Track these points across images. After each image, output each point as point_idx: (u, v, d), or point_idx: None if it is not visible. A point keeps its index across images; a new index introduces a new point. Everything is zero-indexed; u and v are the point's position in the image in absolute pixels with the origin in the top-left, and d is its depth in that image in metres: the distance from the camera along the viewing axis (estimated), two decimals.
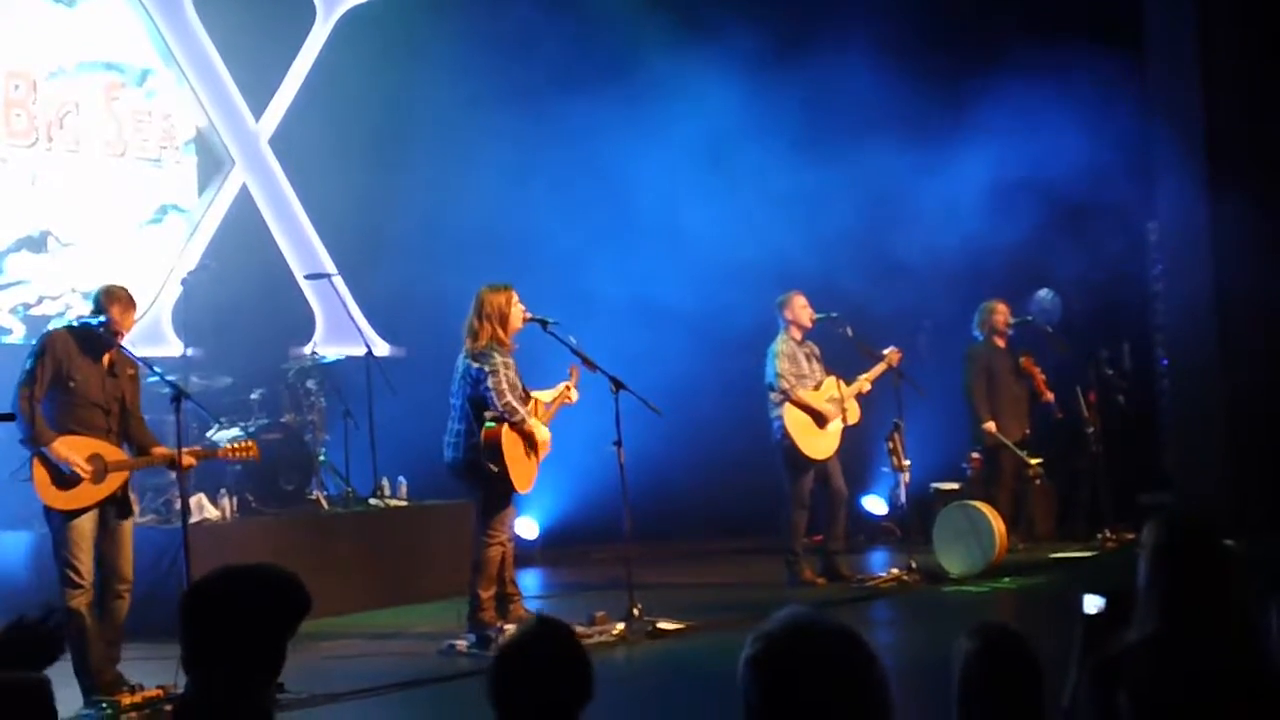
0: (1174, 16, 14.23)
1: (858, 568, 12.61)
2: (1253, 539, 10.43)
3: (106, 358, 8.54)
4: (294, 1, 14.90)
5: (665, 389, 10.82)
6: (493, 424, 9.82)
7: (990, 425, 13.13)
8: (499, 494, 9.94)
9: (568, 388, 10.30)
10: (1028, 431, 13.42)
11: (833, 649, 3.00)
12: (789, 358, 12.05)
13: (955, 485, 13.63)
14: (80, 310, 12.36)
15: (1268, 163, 13.77)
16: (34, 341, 8.93)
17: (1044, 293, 14.33)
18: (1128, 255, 14.97)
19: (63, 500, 8.29)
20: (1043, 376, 13.45)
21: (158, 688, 8.27)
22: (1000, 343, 13.41)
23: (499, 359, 9.89)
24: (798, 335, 12.18)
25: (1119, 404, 14.13)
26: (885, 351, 12.33)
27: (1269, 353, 13.85)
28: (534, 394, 10.22)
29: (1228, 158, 13.94)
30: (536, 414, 10.06)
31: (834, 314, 12.29)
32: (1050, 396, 13.48)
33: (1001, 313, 13.38)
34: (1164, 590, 3.86)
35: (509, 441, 9.85)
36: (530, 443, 9.94)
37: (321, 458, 12.73)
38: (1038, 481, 14.02)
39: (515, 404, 9.81)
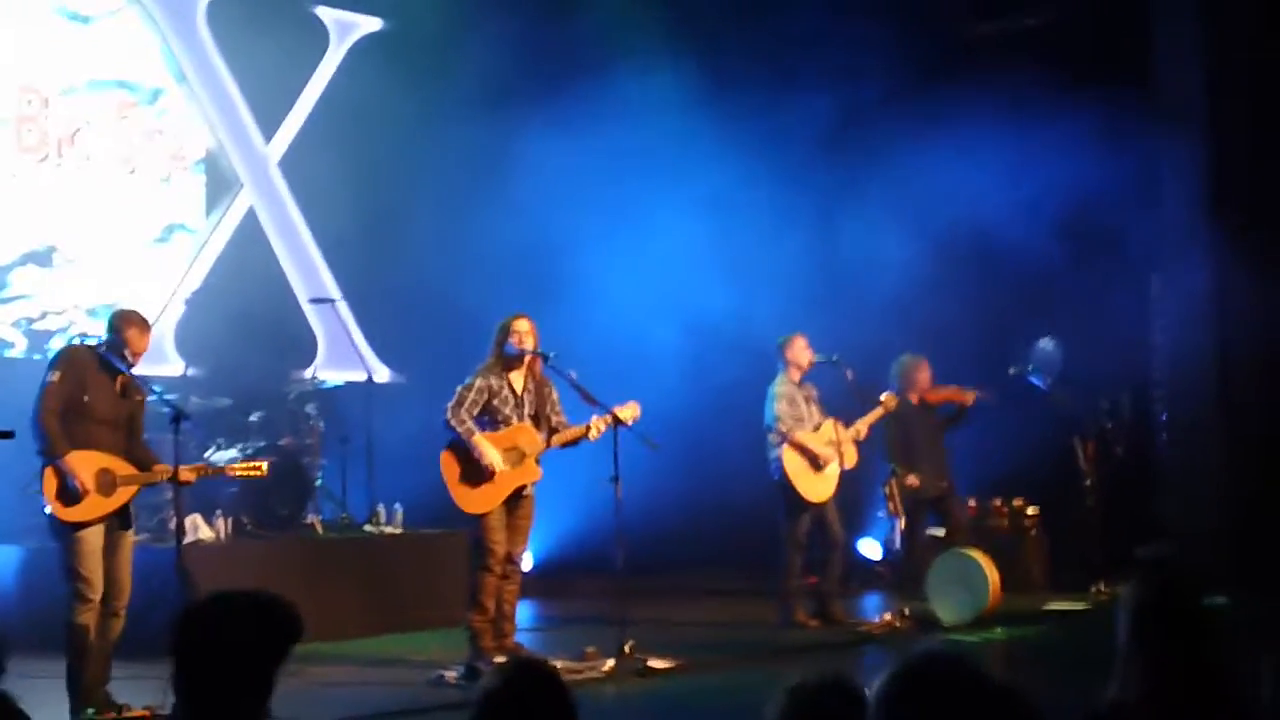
0: (1182, 67, 14.27)
1: (851, 612, 12.57)
2: (1248, 595, 10.45)
3: (120, 380, 8.59)
4: (307, 27, 14.97)
5: (664, 425, 10.77)
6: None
7: (913, 479, 12.77)
8: (475, 517, 9.97)
9: (588, 428, 10.12)
10: (945, 484, 13.16)
11: (964, 688, 2.99)
12: (787, 399, 12.03)
13: None
14: (83, 326, 12.43)
15: (1273, 217, 13.78)
16: (48, 354, 8.98)
17: (1045, 341, 14.31)
18: (1131, 306, 14.96)
19: (71, 513, 8.32)
20: (946, 391, 13.15)
21: (144, 708, 8.27)
22: (915, 399, 13.11)
23: (478, 381, 9.98)
24: (796, 377, 12.15)
25: (1117, 456, 14.08)
26: (881, 397, 12.31)
27: (1268, 408, 13.84)
28: (569, 427, 10.18)
29: (1233, 211, 13.96)
30: (519, 440, 10.00)
31: (835, 357, 12.24)
32: (970, 396, 13.14)
33: (924, 370, 13.12)
34: (1144, 651, 3.82)
35: (446, 462, 9.94)
36: (478, 463, 9.89)
37: (318, 482, 12.74)
38: (1033, 533, 14.03)
39: (460, 418, 9.84)
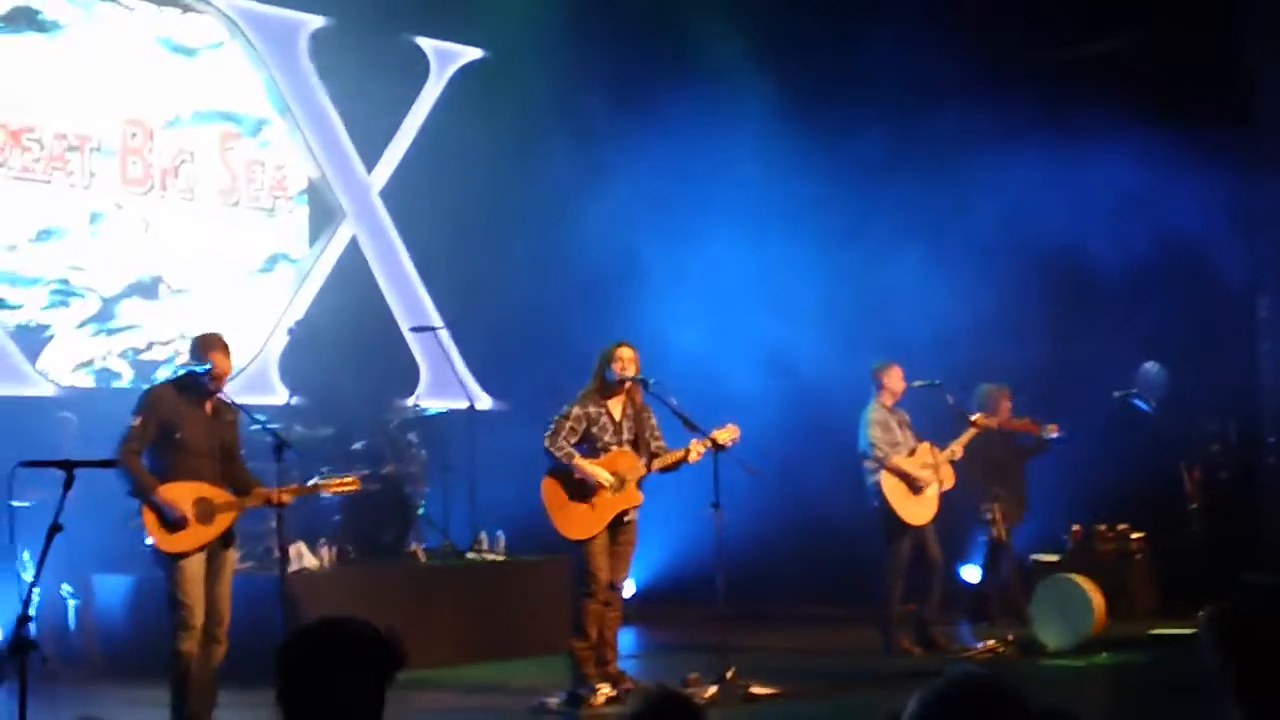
0: None
1: (953, 638, 12.46)
2: None
3: (210, 405, 8.66)
4: (408, 57, 15.11)
5: (758, 451, 10.69)
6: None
7: (996, 510, 12.61)
8: (578, 543, 9.98)
9: (687, 452, 10.02)
10: (1022, 513, 12.97)
11: (998, 711, 2.96)
12: (881, 425, 11.99)
13: (1055, 557, 13.45)
14: (189, 357, 12.57)
15: None
16: (142, 386, 9.06)
17: (1150, 365, 14.16)
18: (1236, 330, 14.76)
19: (173, 543, 8.40)
20: (1021, 423, 12.97)
21: None
22: (995, 427, 12.94)
23: (575, 409, 9.94)
24: (889, 402, 12.11)
25: (1223, 480, 13.88)
26: (973, 417, 12.21)
27: None
28: (668, 451, 10.14)
29: None
30: (619, 465, 9.99)
31: (937, 381, 12.20)
32: (1053, 429, 12.96)
33: (1006, 400, 12.98)
34: (1227, 683, 3.74)
35: (547, 488, 9.92)
36: (580, 488, 9.90)
37: (421, 510, 12.81)
38: (1138, 557, 13.85)
39: (559, 444, 9.80)
